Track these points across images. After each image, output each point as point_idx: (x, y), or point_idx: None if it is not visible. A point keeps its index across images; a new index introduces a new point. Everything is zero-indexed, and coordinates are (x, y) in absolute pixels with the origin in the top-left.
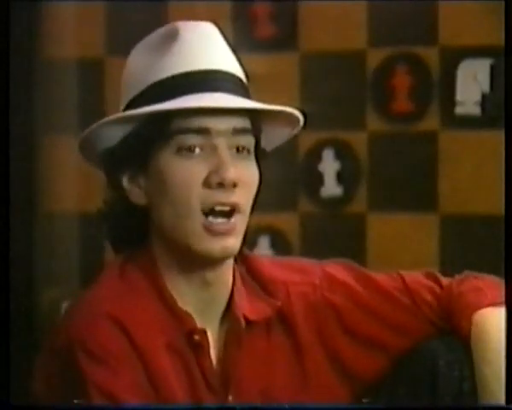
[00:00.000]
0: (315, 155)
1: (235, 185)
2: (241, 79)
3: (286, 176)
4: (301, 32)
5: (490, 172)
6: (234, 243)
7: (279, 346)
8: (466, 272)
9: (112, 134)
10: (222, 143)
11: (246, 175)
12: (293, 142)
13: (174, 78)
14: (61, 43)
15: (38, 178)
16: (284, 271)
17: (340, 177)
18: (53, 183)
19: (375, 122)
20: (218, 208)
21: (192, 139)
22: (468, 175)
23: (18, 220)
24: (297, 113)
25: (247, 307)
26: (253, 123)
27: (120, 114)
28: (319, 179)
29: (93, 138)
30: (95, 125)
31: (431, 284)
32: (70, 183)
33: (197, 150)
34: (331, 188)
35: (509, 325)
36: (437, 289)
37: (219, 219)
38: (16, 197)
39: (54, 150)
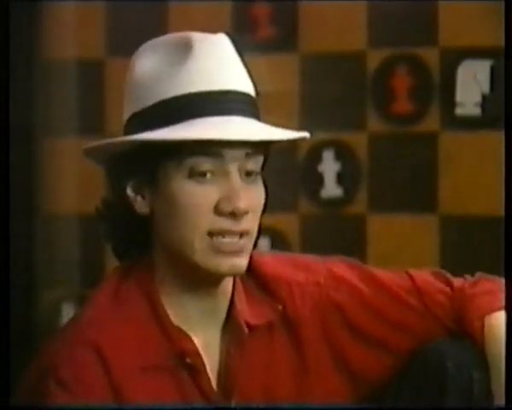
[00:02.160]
0: (315, 155)
1: (246, 213)
2: (252, 98)
3: (286, 177)
4: (301, 33)
5: (490, 173)
6: (242, 262)
7: (282, 348)
8: (478, 274)
9: (119, 145)
10: (234, 169)
11: (255, 200)
12: (293, 142)
13: (184, 98)
14: (60, 44)
15: (38, 180)
16: (288, 269)
17: (340, 178)
18: (53, 184)
19: (375, 123)
20: (227, 235)
21: (204, 164)
22: (468, 176)
23: (18, 222)
24: (307, 134)
25: (249, 312)
26: (266, 144)
27: (128, 139)
28: (319, 180)
29: (98, 147)
30: (99, 143)
31: (442, 285)
32: (70, 184)
33: (209, 175)
34: (331, 189)
35: (509, 325)
36: (448, 290)
37: (228, 240)
38: (16, 198)
39: (54, 152)
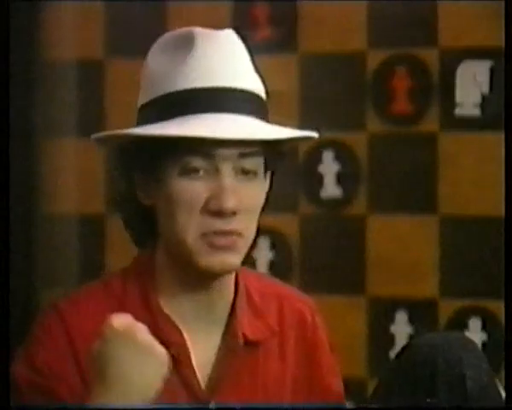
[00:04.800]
0: (315, 156)
1: (234, 213)
2: (257, 96)
3: (286, 177)
4: (301, 34)
5: (489, 174)
6: (233, 258)
7: (269, 362)
8: None
9: (119, 137)
10: (225, 168)
11: (248, 200)
12: (292, 144)
13: (184, 93)
14: (60, 45)
15: (38, 180)
16: (279, 286)
17: (339, 178)
18: (53, 184)
19: (374, 124)
20: (216, 235)
21: (195, 161)
22: (468, 177)
23: (18, 222)
24: (313, 134)
25: (248, 325)
26: (263, 143)
27: (123, 132)
28: (319, 181)
29: (105, 137)
30: (103, 135)
31: None
32: (70, 184)
33: (201, 172)
34: (331, 189)
35: (508, 325)
36: None
37: (219, 235)
38: (16, 199)
39: (54, 152)
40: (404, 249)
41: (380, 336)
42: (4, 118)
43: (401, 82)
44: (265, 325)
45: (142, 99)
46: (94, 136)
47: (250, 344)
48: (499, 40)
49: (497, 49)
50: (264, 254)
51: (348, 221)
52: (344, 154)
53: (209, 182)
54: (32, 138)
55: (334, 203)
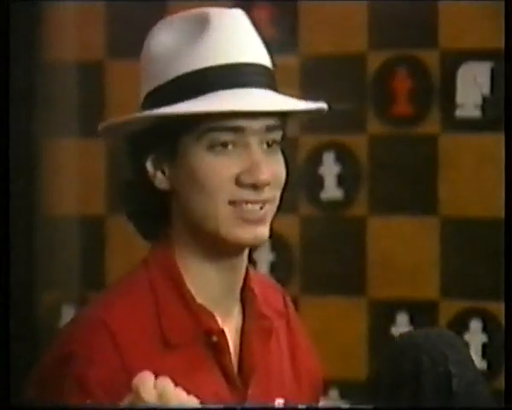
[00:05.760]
0: (315, 158)
1: (268, 184)
2: (271, 70)
3: (286, 179)
4: (301, 35)
5: (490, 175)
6: (264, 231)
7: (280, 344)
8: None
9: (137, 121)
10: (255, 141)
11: (276, 171)
12: (293, 145)
13: (205, 71)
14: (61, 46)
15: (38, 181)
16: (257, 274)
17: (340, 180)
18: (53, 186)
19: (375, 125)
20: (249, 203)
21: (225, 136)
22: (469, 178)
23: (18, 223)
24: (325, 107)
25: (264, 306)
26: (283, 117)
27: (147, 114)
28: (319, 182)
29: (115, 125)
30: (119, 121)
31: None
32: (70, 186)
33: (230, 147)
34: (331, 191)
35: (508, 326)
36: None
37: (250, 207)
38: (16, 200)
39: (54, 153)
40: (404, 251)
41: (380, 337)
42: (4, 119)
43: (402, 83)
44: (273, 306)
45: (150, 85)
46: (111, 121)
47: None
48: (500, 41)
49: (497, 51)
50: (264, 256)
51: (349, 223)
52: (344, 155)
53: (239, 156)
54: (33, 141)
55: (334, 205)
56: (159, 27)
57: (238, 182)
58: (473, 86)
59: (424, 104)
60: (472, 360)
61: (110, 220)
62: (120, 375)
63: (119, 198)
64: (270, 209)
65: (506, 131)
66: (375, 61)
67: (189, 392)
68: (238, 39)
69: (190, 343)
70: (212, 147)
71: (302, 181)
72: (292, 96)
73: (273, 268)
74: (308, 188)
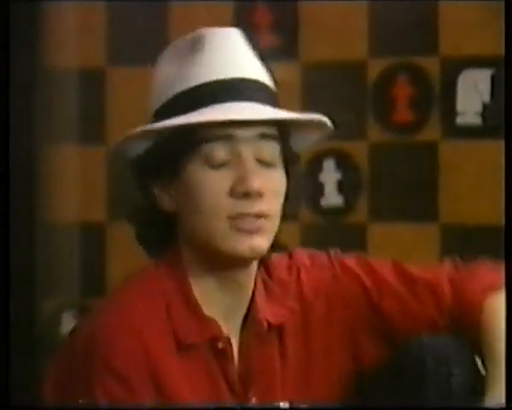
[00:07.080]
0: (316, 165)
1: (260, 195)
2: (268, 86)
3: (287, 186)
4: (302, 42)
5: (490, 182)
6: (261, 242)
7: (295, 341)
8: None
9: (141, 143)
10: (246, 151)
11: (271, 183)
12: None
13: (199, 87)
14: (62, 53)
15: (39, 188)
16: (295, 256)
17: (340, 187)
18: (53, 192)
19: (375, 132)
20: (244, 218)
21: (217, 148)
22: (469, 185)
23: (19, 230)
24: (324, 119)
25: (268, 310)
26: (279, 130)
27: (146, 128)
28: (320, 189)
29: (122, 148)
30: (122, 139)
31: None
32: (71, 193)
33: (223, 161)
34: (332, 198)
35: (508, 326)
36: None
37: (246, 219)
38: (17, 207)
39: (54, 160)
40: (404, 258)
41: None
42: (5, 127)
43: (402, 90)
44: (284, 306)
45: (156, 103)
46: (127, 135)
47: (274, 329)
48: (500, 48)
49: (498, 58)
50: None
51: (349, 230)
52: (345, 162)
53: (232, 168)
54: (33, 147)
55: (334, 212)
56: (167, 49)
57: (232, 193)
58: (473, 93)
59: (424, 111)
60: (475, 363)
61: (110, 227)
62: (143, 367)
63: (127, 221)
64: (267, 222)
65: (506, 138)
66: (375, 68)
67: (193, 394)
68: (232, 56)
69: (198, 348)
70: (206, 162)
71: (303, 188)
72: (292, 106)
73: None
74: (309, 195)
